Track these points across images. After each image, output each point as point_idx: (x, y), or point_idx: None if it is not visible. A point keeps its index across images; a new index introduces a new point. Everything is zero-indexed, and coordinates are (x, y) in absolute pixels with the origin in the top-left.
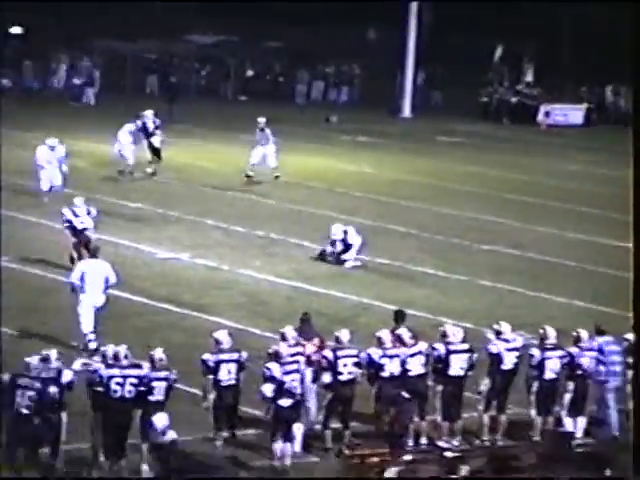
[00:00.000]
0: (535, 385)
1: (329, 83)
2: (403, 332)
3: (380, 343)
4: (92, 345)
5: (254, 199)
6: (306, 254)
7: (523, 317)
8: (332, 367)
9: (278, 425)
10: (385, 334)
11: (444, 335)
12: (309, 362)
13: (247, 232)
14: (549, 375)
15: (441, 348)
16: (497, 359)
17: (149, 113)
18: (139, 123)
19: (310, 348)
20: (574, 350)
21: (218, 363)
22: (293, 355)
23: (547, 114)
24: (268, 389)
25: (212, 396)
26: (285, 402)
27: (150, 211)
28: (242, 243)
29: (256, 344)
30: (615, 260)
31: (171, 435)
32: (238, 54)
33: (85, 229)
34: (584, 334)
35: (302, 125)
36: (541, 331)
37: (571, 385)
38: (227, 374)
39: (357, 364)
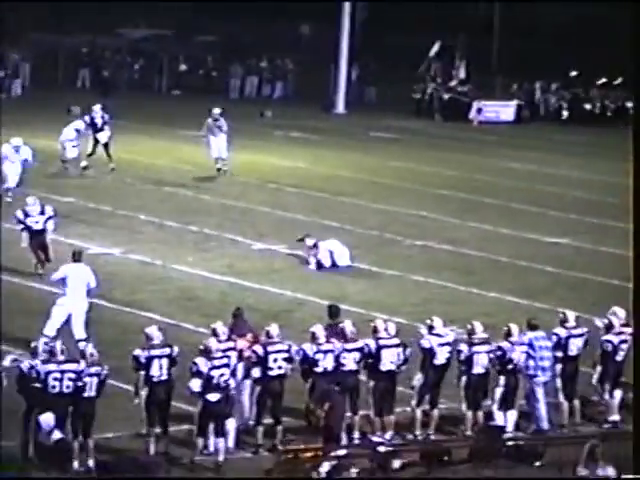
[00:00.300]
0: (464, 380)
1: (263, 78)
2: (347, 325)
3: (314, 339)
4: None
5: (188, 194)
6: (240, 249)
7: (456, 312)
8: (262, 362)
9: (205, 420)
10: (319, 329)
11: (375, 330)
12: (241, 357)
13: (181, 227)
14: (477, 370)
15: (372, 343)
16: (429, 354)
17: (97, 108)
18: (87, 119)
19: (242, 343)
20: (505, 344)
21: (149, 359)
22: (225, 350)
23: (479, 111)
24: (196, 384)
25: (144, 392)
26: (213, 397)
27: (82, 206)
28: (175, 238)
29: (189, 339)
30: (548, 256)
31: (56, 435)
32: (171, 48)
33: (43, 230)
34: (515, 329)
35: (236, 120)
36: (469, 326)
37: (502, 379)
38: (159, 370)
39: (287, 359)
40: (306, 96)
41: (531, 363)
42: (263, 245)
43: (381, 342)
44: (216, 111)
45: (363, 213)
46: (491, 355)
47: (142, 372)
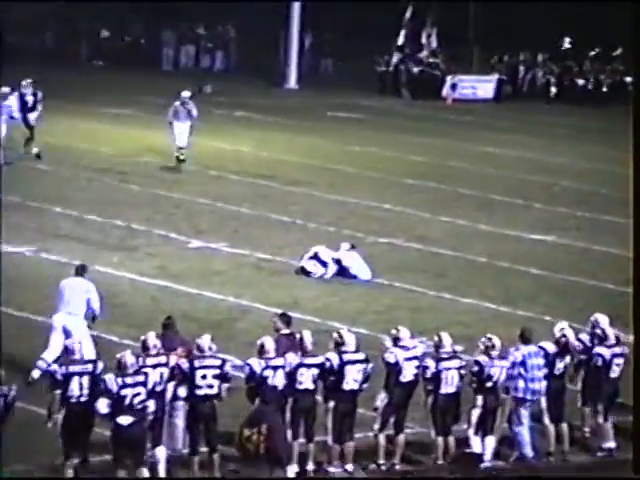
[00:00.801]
0: (430, 400)
1: (200, 47)
2: (306, 336)
3: (262, 352)
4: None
5: (112, 183)
6: (173, 248)
7: (425, 321)
8: (188, 379)
9: (119, 448)
10: (269, 342)
11: (339, 343)
12: (173, 375)
13: (103, 222)
14: (447, 389)
15: (335, 359)
16: (395, 370)
17: (27, 83)
18: (15, 95)
19: (172, 359)
20: (483, 359)
21: (68, 376)
22: (155, 366)
23: (453, 87)
24: (102, 404)
25: (60, 415)
26: (125, 420)
27: None
28: (97, 235)
29: (114, 353)
30: (533, 256)
31: None
32: (90, 10)
33: None
34: (496, 341)
35: (169, 96)
36: (436, 338)
37: (479, 399)
38: (78, 389)
39: (220, 377)
40: (252, 69)
41: (521, 384)
42: (201, 243)
43: (345, 357)
44: (185, 94)
45: (317, 205)
46: (462, 371)
47: (58, 391)
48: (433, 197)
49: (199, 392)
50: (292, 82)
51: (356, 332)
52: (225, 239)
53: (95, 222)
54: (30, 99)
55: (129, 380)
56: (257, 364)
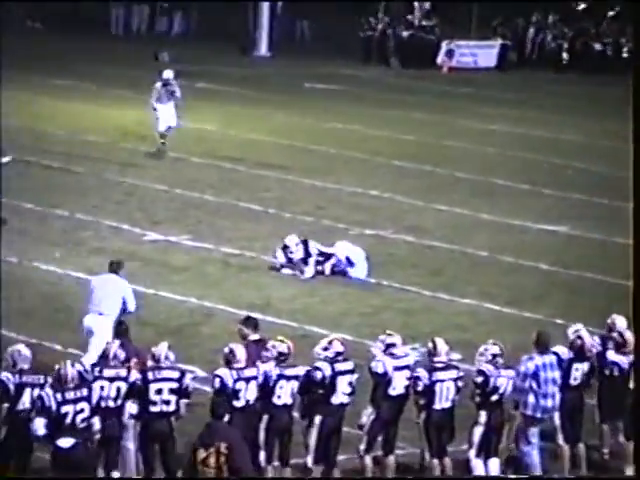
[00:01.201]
0: (423, 416)
1: (156, 8)
2: (282, 345)
3: (232, 361)
4: None
5: (53, 166)
6: (126, 242)
7: (418, 325)
8: (141, 394)
9: (60, 475)
10: (239, 349)
11: (327, 349)
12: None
13: (43, 211)
14: (442, 404)
15: (327, 369)
16: (383, 381)
17: None
18: None
19: (123, 372)
20: (488, 368)
21: (20, 386)
22: (113, 379)
23: (449, 53)
24: (39, 424)
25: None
26: (65, 442)
27: None
28: (37, 226)
29: (56, 364)
30: (541, 249)
31: None
32: None
33: None
34: (501, 348)
35: (120, 65)
36: (430, 344)
37: (483, 415)
38: (30, 403)
39: (178, 391)
40: (216, 33)
41: (531, 399)
42: (158, 235)
43: (338, 367)
44: (167, 75)
45: (293, 192)
46: (460, 383)
47: (6, 405)
48: (427, 182)
49: (153, 409)
50: (263, 49)
51: (338, 338)
52: (186, 231)
53: (34, 212)
54: None
55: (70, 395)
56: (229, 375)
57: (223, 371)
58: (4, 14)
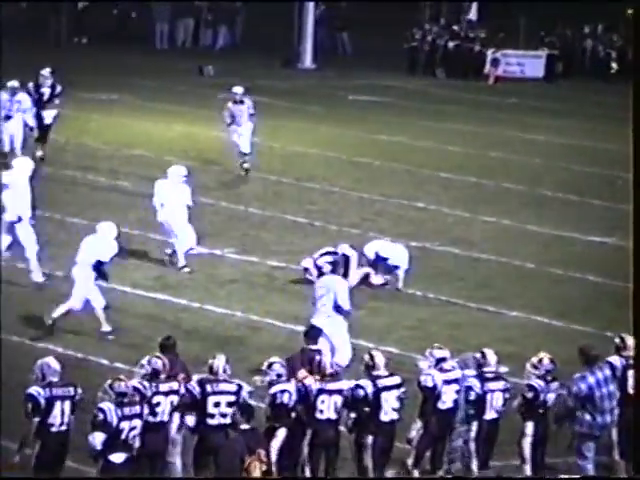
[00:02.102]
0: (474, 428)
1: (201, 21)
2: (326, 356)
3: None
4: None
5: (99, 180)
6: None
7: (466, 338)
8: (198, 406)
9: None
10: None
11: (370, 366)
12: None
13: (89, 225)
14: (491, 414)
15: (368, 386)
16: (432, 395)
17: (46, 72)
18: (30, 85)
19: (175, 385)
20: (539, 384)
21: (50, 400)
22: (167, 394)
23: (495, 62)
24: (98, 439)
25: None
26: (118, 457)
27: None
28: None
29: (103, 379)
30: (592, 262)
31: None
32: None
33: None
34: (550, 364)
35: (165, 78)
36: (478, 355)
37: (530, 427)
38: (60, 416)
39: (234, 404)
40: (260, 46)
41: (587, 417)
42: (203, 249)
43: (380, 382)
44: (237, 90)
45: (339, 204)
46: (507, 395)
47: (37, 419)
48: (473, 193)
49: (211, 422)
50: (308, 61)
51: (384, 351)
52: (232, 244)
53: (80, 226)
54: (47, 91)
55: (127, 411)
56: (294, 390)
57: (289, 386)
58: (51, 30)
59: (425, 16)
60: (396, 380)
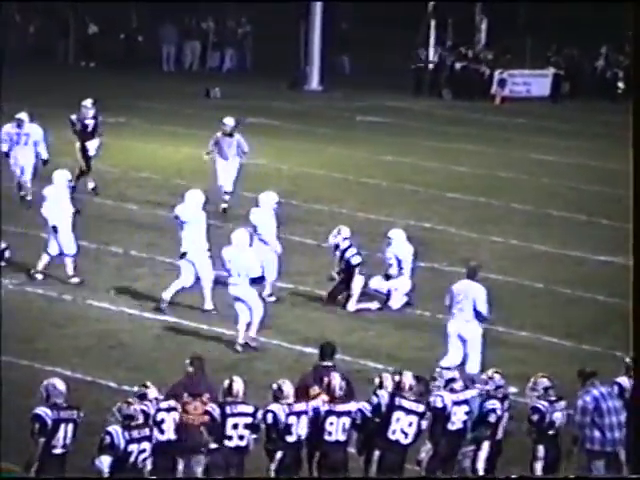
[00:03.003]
0: (485, 447)
1: (208, 44)
2: (335, 378)
3: (280, 397)
4: None
5: (106, 203)
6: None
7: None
8: (217, 427)
9: None
10: (287, 385)
11: (397, 382)
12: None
13: (97, 248)
14: (500, 435)
15: (384, 396)
16: (442, 416)
17: (88, 103)
18: (74, 119)
19: (199, 409)
20: (543, 404)
21: (57, 422)
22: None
23: (502, 83)
24: (106, 462)
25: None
26: None
27: None
28: (90, 263)
29: (111, 402)
30: (600, 281)
31: None
32: (76, 3)
33: None
34: (546, 381)
35: (171, 101)
36: (484, 376)
37: (541, 450)
38: (63, 438)
39: (251, 426)
40: (268, 68)
41: (596, 434)
42: (214, 272)
43: (399, 401)
44: (228, 122)
45: (347, 225)
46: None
47: (42, 439)
48: (481, 214)
49: (229, 443)
50: (314, 83)
51: (392, 372)
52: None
53: (87, 249)
54: (90, 123)
55: (135, 434)
56: (281, 410)
57: (275, 406)
58: (59, 53)
59: (431, 37)
60: (414, 406)
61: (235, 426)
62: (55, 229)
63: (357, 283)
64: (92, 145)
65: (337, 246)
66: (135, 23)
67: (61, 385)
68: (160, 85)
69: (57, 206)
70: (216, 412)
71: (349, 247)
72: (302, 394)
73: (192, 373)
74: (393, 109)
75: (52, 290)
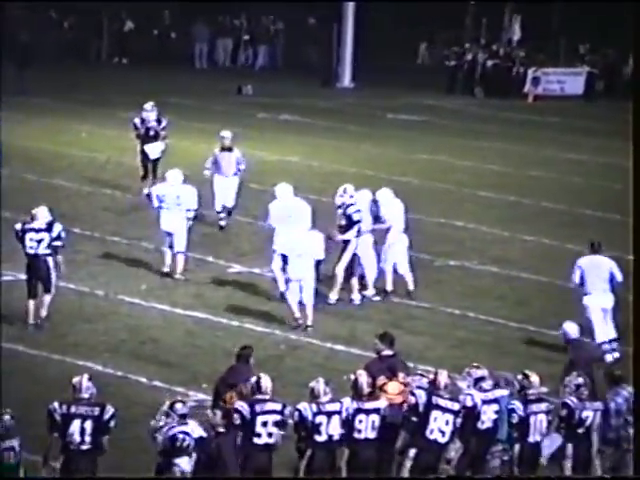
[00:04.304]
0: (517, 450)
1: (241, 41)
2: (361, 377)
3: (314, 396)
4: None
5: (140, 201)
6: (211, 274)
7: (505, 358)
8: (247, 425)
9: None
10: (320, 385)
11: (431, 382)
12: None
13: (129, 244)
14: (534, 437)
15: (422, 395)
16: (472, 414)
17: (149, 106)
18: (137, 121)
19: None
20: (572, 400)
21: (67, 417)
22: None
23: (536, 81)
24: (185, 463)
25: (57, 463)
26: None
27: None
28: (123, 259)
29: (142, 398)
30: (631, 281)
31: None
32: (112, 1)
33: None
34: (580, 380)
35: (203, 98)
36: (519, 377)
37: (570, 448)
38: (79, 434)
39: (279, 424)
40: (299, 65)
41: (631, 431)
42: (242, 267)
43: (436, 400)
44: (226, 134)
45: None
46: (549, 417)
47: (55, 434)
48: (512, 212)
49: (257, 441)
50: (346, 80)
51: (422, 370)
52: (271, 263)
53: (119, 244)
54: (153, 126)
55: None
56: (308, 409)
57: (303, 404)
58: (92, 51)
59: (466, 35)
60: (454, 406)
61: (264, 424)
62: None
63: (349, 252)
64: (153, 149)
65: (341, 205)
66: (167, 20)
67: (86, 382)
68: (192, 82)
69: (168, 205)
70: (246, 410)
71: (352, 204)
72: (370, 386)
73: (236, 364)
74: (425, 107)
75: (84, 285)
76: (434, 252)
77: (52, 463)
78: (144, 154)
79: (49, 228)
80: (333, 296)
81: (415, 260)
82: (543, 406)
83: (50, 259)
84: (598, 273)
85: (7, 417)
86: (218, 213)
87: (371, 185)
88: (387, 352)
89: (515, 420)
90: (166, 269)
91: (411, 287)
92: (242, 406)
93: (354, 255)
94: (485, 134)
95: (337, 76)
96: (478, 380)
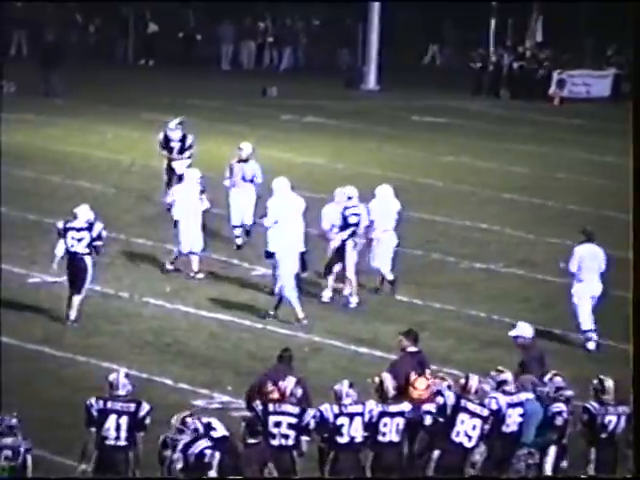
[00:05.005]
0: (552, 452)
1: (265, 43)
2: (386, 379)
3: (337, 398)
4: None
5: (164, 203)
6: (235, 276)
7: None
8: (259, 424)
9: None
10: (345, 386)
11: (463, 385)
12: None
13: (153, 246)
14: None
15: (450, 396)
16: (497, 418)
17: (174, 124)
18: (161, 139)
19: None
20: (593, 406)
21: (103, 412)
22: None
23: (561, 84)
24: (212, 473)
25: (89, 466)
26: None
27: (19, 217)
28: (147, 261)
29: (166, 399)
30: None
31: None
32: (136, 1)
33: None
34: (608, 383)
35: (228, 100)
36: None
37: (593, 452)
38: (115, 430)
39: (296, 427)
40: (324, 67)
41: None
42: (266, 270)
43: (464, 403)
44: (244, 146)
45: (403, 226)
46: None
47: (93, 429)
48: (537, 215)
49: (273, 442)
50: (371, 83)
51: (447, 373)
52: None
53: (144, 246)
54: (176, 146)
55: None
56: (329, 410)
57: (324, 406)
58: (118, 52)
59: (491, 37)
60: (482, 411)
61: (277, 424)
62: (176, 224)
63: (350, 254)
64: (179, 166)
65: (343, 206)
66: (193, 22)
67: (122, 378)
68: (217, 84)
69: (184, 204)
70: (258, 408)
71: (351, 207)
72: (402, 380)
73: (276, 366)
74: (450, 109)
75: (109, 287)
76: (459, 254)
77: (84, 465)
78: (170, 168)
79: (90, 227)
80: (354, 300)
81: (440, 263)
82: (570, 407)
83: (88, 258)
84: (594, 261)
85: (8, 417)
86: (234, 228)
87: (396, 188)
88: (412, 348)
89: (559, 423)
90: (191, 272)
91: (390, 277)
92: (256, 404)
93: (340, 254)
94: (510, 136)
95: (362, 77)
96: (501, 383)
